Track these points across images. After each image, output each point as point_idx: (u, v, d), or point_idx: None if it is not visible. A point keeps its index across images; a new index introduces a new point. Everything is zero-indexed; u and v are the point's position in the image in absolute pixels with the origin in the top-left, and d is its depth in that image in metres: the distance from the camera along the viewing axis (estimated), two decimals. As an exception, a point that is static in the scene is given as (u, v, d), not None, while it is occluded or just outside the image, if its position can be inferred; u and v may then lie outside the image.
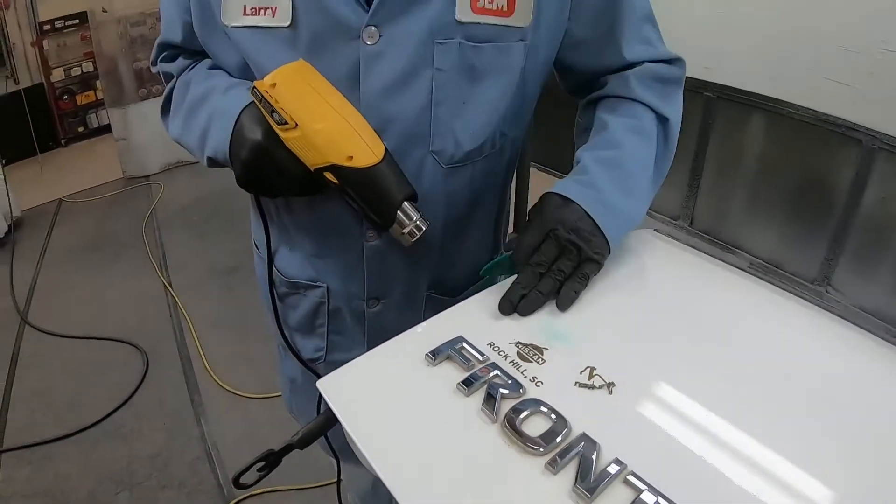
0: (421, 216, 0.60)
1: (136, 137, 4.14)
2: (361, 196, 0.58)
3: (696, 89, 2.57)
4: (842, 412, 0.46)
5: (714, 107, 2.47)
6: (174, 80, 0.76)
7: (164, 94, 0.77)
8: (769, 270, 2.49)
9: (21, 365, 2.32)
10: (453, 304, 0.66)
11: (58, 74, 5.74)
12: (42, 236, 3.45)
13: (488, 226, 0.79)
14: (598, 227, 0.58)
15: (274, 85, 0.55)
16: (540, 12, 0.62)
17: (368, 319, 0.77)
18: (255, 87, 0.56)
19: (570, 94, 0.79)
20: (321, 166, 0.57)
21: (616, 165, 0.64)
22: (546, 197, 0.61)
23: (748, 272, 0.66)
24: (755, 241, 2.57)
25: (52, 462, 1.87)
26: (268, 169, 0.59)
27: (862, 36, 2.04)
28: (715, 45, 2.48)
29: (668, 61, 0.72)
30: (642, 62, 0.70)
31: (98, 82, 5.71)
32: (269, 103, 0.55)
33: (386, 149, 0.59)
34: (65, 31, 5.66)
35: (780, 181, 2.44)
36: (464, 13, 0.59)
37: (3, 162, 3.67)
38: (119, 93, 4.07)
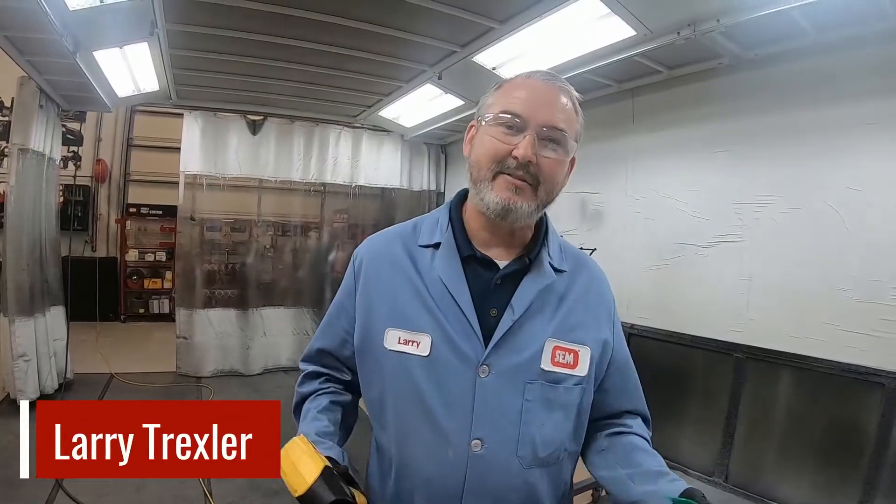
0: None
1: (197, 339, 4.40)
2: None
3: (726, 351, 2.84)
4: None
5: (744, 366, 2.78)
6: (305, 387, 1.00)
7: (296, 399, 1.02)
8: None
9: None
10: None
11: (132, 255, 6.29)
12: (89, 409, 3.54)
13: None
14: None
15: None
16: (591, 367, 0.91)
17: None
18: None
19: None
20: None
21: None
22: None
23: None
24: (789, 491, 2.58)
25: None
26: None
27: (871, 284, 2.32)
28: (741, 309, 2.81)
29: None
30: (640, 411, 1.00)
31: (168, 272, 6.29)
32: None
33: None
34: (148, 217, 6.31)
35: (810, 431, 2.54)
36: (546, 364, 0.87)
37: (69, 316, 3.84)
38: (191, 296, 4.40)
